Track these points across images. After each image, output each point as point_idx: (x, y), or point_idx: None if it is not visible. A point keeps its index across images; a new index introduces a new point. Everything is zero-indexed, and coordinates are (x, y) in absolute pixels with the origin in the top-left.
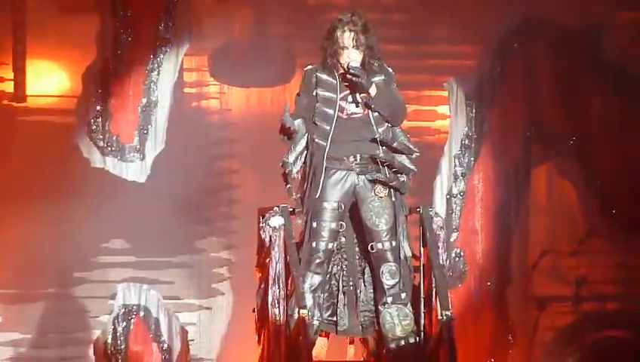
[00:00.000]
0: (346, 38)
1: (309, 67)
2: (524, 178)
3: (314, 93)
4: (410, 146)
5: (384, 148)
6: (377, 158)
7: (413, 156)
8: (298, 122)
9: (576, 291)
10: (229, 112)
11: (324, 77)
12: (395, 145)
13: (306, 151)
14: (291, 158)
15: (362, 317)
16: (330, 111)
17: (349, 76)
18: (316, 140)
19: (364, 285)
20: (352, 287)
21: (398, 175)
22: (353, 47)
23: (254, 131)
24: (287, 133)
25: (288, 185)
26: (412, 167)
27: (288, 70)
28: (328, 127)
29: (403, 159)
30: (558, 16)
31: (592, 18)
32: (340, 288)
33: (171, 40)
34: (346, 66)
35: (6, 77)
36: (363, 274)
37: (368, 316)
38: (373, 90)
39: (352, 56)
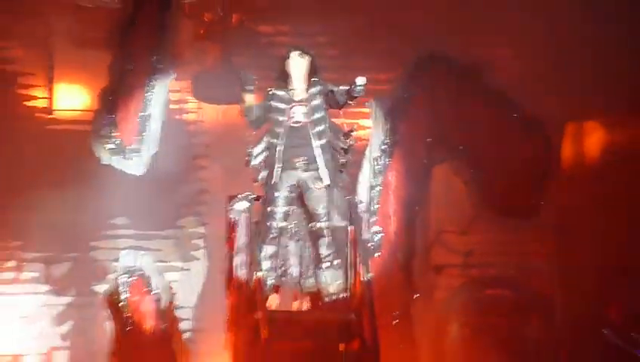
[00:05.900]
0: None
1: (268, 89)
2: (427, 175)
3: (268, 104)
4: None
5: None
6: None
7: (349, 141)
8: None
9: (464, 260)
10: (202, 123)
11: (279, 93)
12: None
13: (266, 151)
14: (256, 151)
15: (304, 279)
16: (282, 118)
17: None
18: (271, 140)
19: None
20: (300, 257)
21: (339, 159)
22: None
23: (222, 138)
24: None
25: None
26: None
27: None
28: (281, 130)
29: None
30: (454, 52)
31: (478, 55)
32: (295, 255)
33: (162, 69)
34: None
35: (39, 95)
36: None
37: (309, 279)
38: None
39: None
